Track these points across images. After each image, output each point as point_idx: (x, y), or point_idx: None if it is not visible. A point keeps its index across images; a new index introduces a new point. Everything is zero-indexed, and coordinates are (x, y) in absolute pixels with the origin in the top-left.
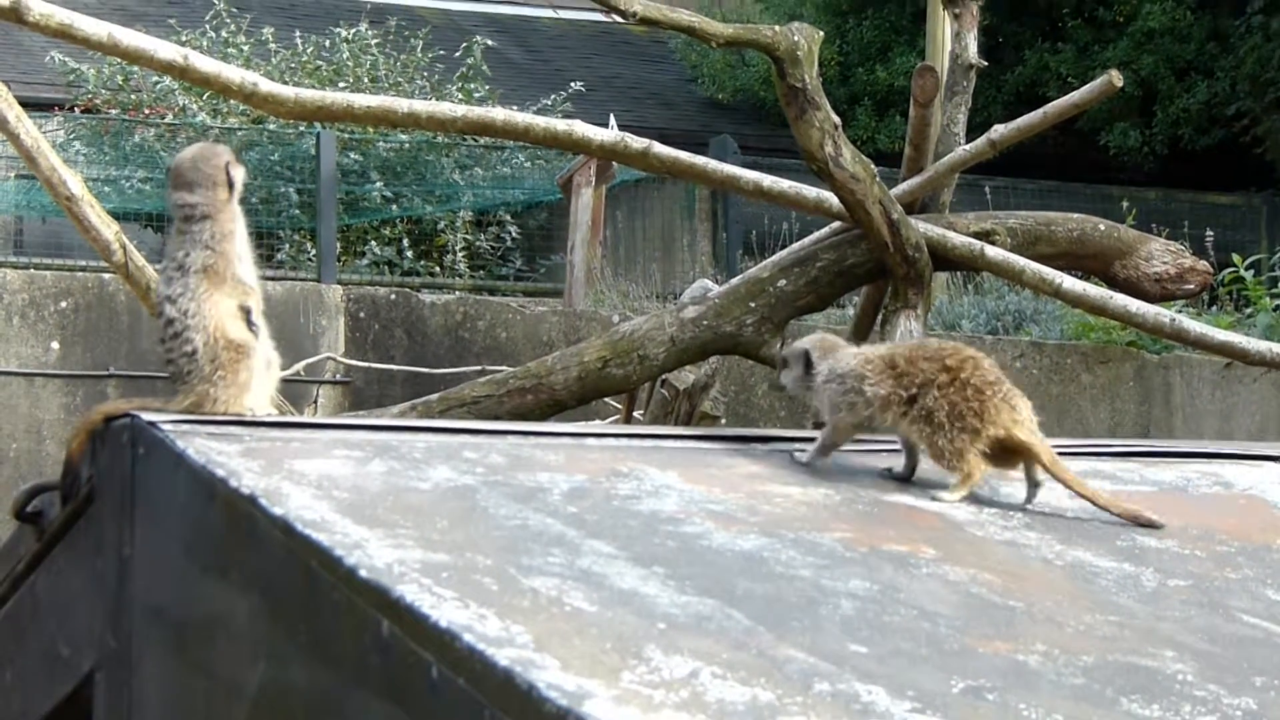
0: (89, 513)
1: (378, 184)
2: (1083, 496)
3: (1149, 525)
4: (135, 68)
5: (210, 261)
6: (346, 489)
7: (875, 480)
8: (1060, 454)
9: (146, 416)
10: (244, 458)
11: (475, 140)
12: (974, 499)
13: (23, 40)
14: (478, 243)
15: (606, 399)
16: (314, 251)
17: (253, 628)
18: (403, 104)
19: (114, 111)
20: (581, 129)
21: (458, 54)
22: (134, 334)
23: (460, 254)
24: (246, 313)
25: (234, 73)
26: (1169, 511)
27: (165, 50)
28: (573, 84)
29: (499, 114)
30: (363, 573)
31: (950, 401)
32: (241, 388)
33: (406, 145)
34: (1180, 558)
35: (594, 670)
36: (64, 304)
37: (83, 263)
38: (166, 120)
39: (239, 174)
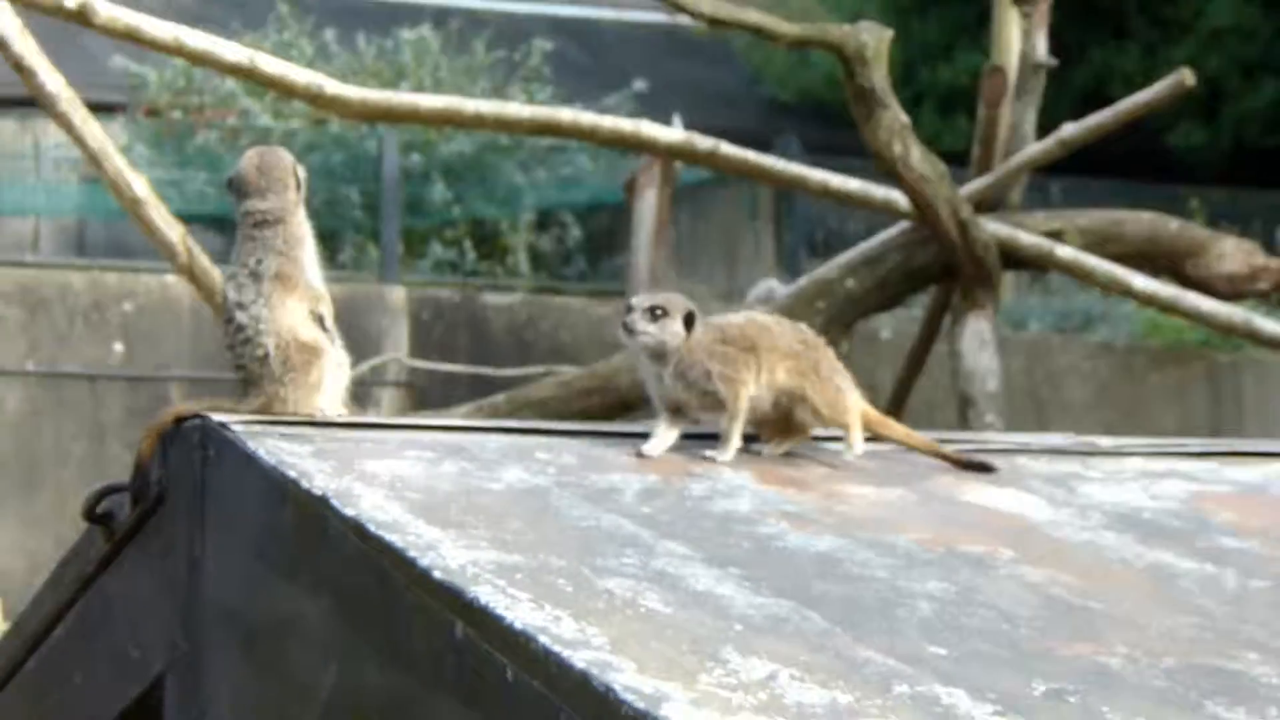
0: (159, 514)
1: (440, 186)
2: (894, 441)
3: (983, 469)
4: (198, 70)
5: (283, 267)
6: (419, 490)
7: (950, 480)
8: (1138, 454)
9: (217, 417)
10: (315, 459)
11: (537, 142)
12: (1051, 499)
13: (87, 44)
14: (540, 244)
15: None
16: (376, 253)
17: (325, 630)
18: (469, 104)
19: (176, 114)
20: (649, 128)
21: (519, 56)
22: (197, 336)
23: (523, 255)
24: (319, 318)
25: (300, 74)
26: (1250, 512)
27: (232, 52)
28: (635, 84)
29: (565, 114)
30: (437, 574)
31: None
32: (313, 388)
33: (469, 147)
34: (1263, 559)
35: (671, 672)
36: (127, 306)
37: (145, 264)
38: (229, 123)
39: (302, 176)
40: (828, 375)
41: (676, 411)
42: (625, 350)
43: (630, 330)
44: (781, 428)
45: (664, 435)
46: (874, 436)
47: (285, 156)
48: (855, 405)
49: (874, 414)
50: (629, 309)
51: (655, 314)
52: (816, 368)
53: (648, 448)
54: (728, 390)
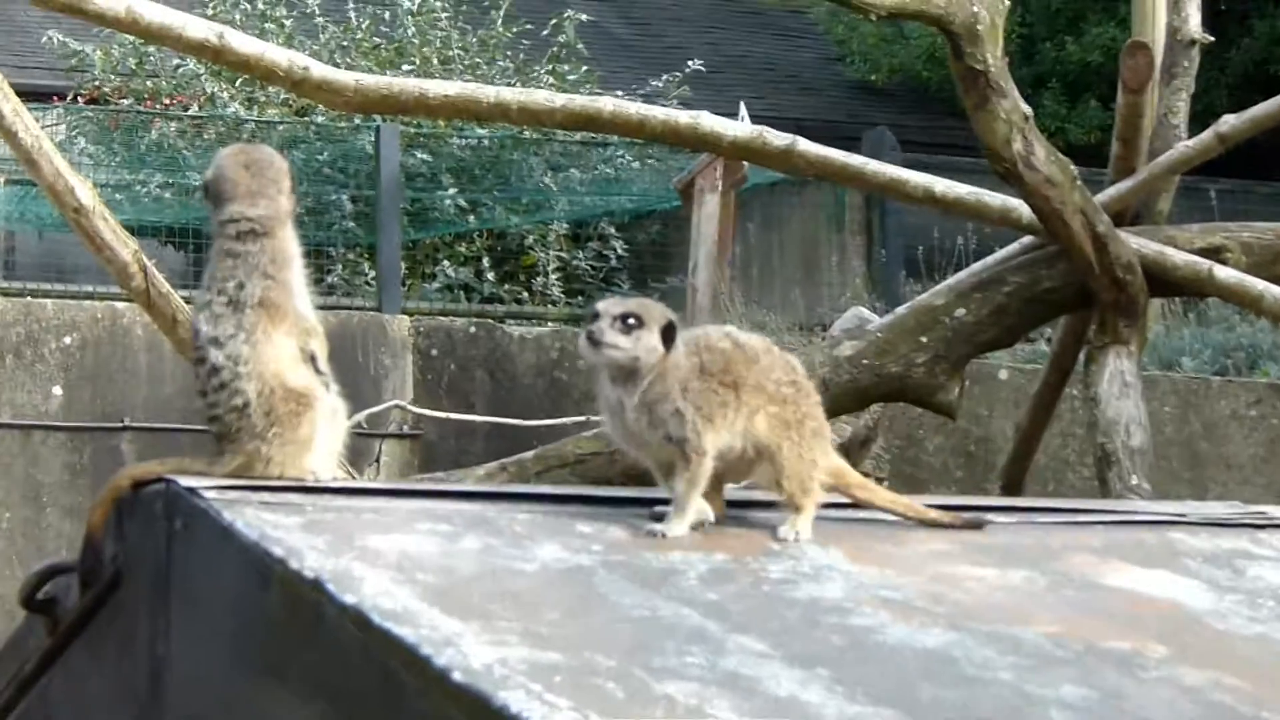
0: (114, 601)
1: (451, 190)
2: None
3: (972, 527)
4: (151, 48)
5: (270, 293)
6: (434, 571)
7: (1089, 560)
8: None
9: (185, 482)
10: (307, 533)
11: (570, 135)
12: (1213, 583)
13: (15, 15)
14: (575, 262)
15: None
16: (373, 273)
17: None
18: (488, 92)
19: (126, 102)
20: (709, 122)
21: (546, 30)
22: (155, 376)
23: (554, 276)
24: (310, 358)
25: (279, 54)
26: None
27: (196, 27)
28: (690, 64)
29: (607, 104)
30: (457, 675)
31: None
32: (302, 445)
33: (486, 141)
34: None
35: None
36: (68, 339)
37: (89, 288)
38: (191, 112)
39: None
40: (808, 438)
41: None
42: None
43: (595, 341)
44: (723, 477)
45: (686, 508)
46: (854, 503)
47: (276, 156)
48: (818, 487)
49: (853, 476)
50: (595, 315)
51: (628, 323)
52: (800, 424)
53: (667, 528)
54: (695, 442)
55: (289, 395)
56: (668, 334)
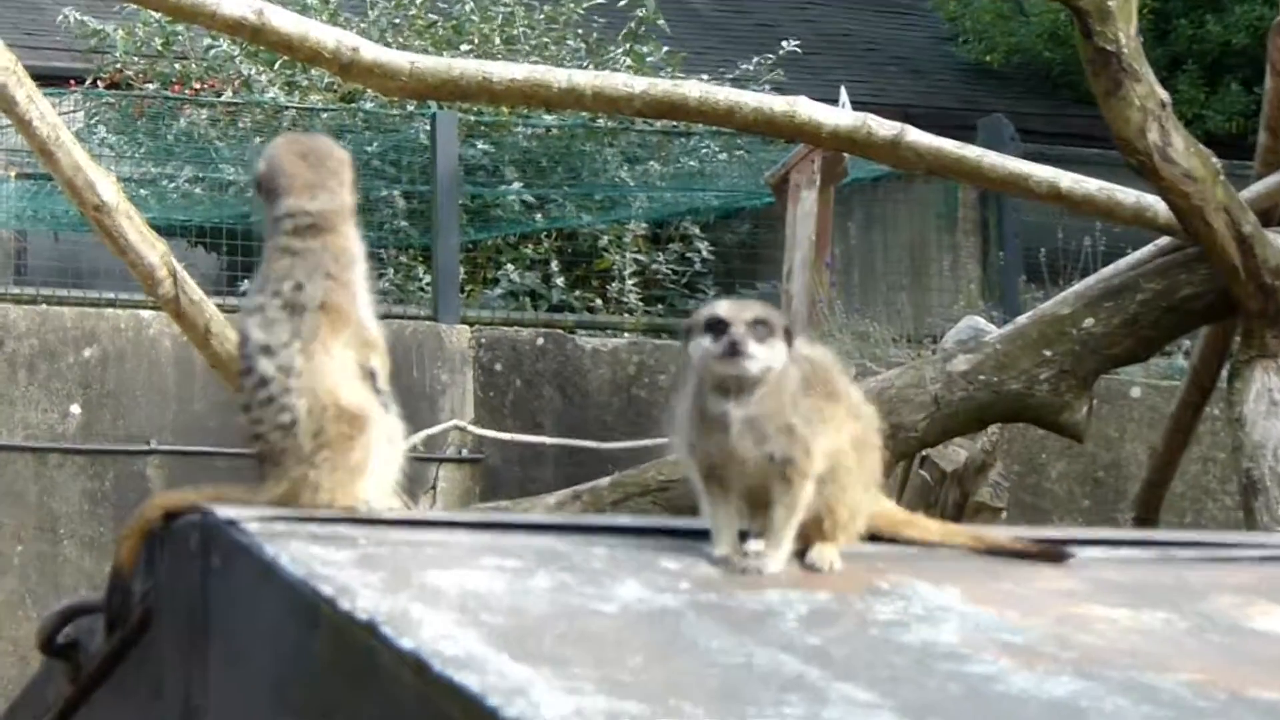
0: (143, 644)
1: (515, 185)
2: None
3: (1056, 557)
4: (180, 26)
5: (332, 296)
6: (501, 612)
7: (1234, 600)
8: None
9: (224, 512)
10: (360, 569)
11: (649, 124)
12: None
13: None
14: (655, 265)
15: None
16: (428, 278)
17: None
18: (559, 75)
19: (151, 86)
20: (807, 109)
21: (623, 2)
22: (184, 393)
23: (631, 281)
24: (370, 374)
25: (325, 33)
26: None
27: (232, 3)
28: (785, 44)
29: (692, 89)
30: None
31: None
32: (354, 471)
33: (554, 131)
34: None
35: None
36: (87, 352)
37: (111, 295)
38: (224, 98)
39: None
40: (869, 465)
41: (722, 484)
42: (698, 379)
43: (739, 353)
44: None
45: (725, 526)
46: (895, 539)
47: (336, 146)
48: (863, 521)
49: (898, 513)
50: (719, 323)
51: (760, 330)
52: (867, 447)
53: (764, 563)
54: (802, 463)
55: (342, 415)
56: (789, 339)
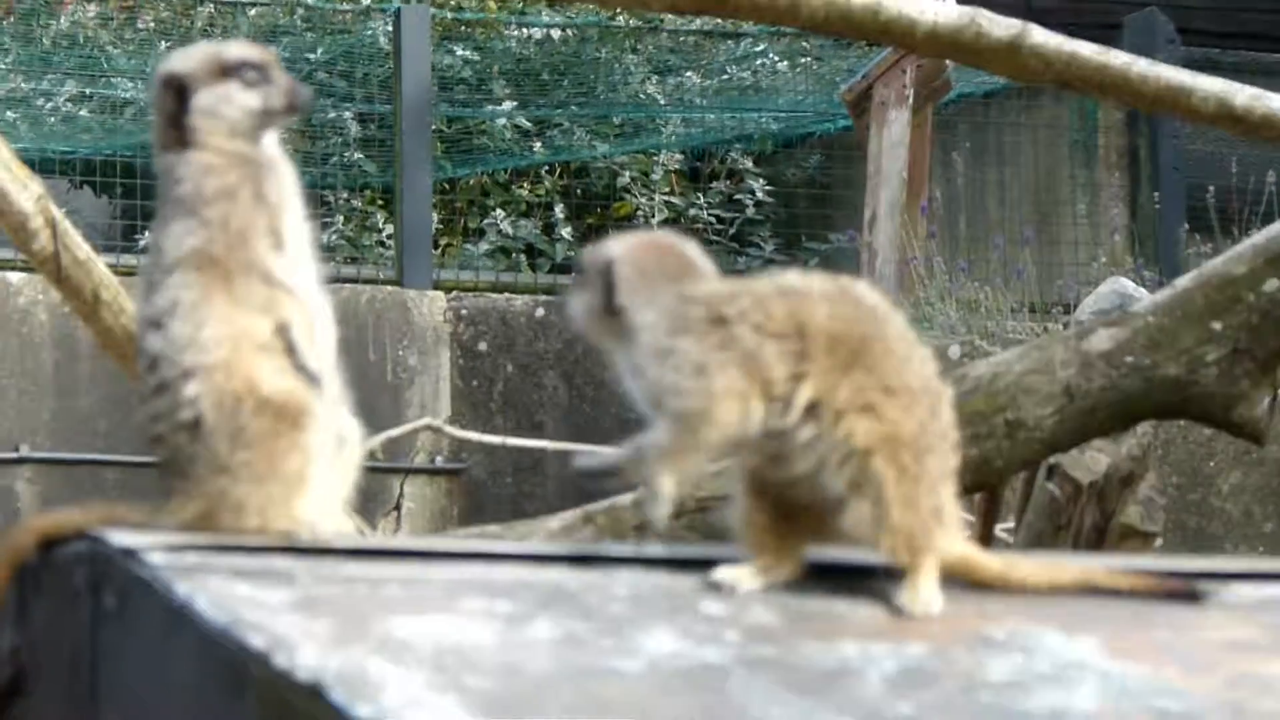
0: (13, 713)
1: (506, 104)
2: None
3: (1190, 596)
4: None
5: (209, 239)
6: (490, 672)
7: None
8: None
9: (119, 539)
10: (301, 614)
11: (684, 22)
12: None
13: None
14: (693, 211)
15: None
16: (390, 229)
17: None
18: None
19: None
20: (896, 0)
21: None
22: (64, 382)
23: (661, 230)
24: (288, 346)
25: None
26: None
27: None
28: None
29: None
30: None
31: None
32: (290, 484)
33: (558, 33)
34: None
35: None
36: None
37: None
38: None
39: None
40: (931, 478)
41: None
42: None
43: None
44: (783, 531)
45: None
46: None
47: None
48: (936, 545)
49: (980, 556)
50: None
51: (579, 279)
52: (920, 448)
53: (724, 575)
54: (672, 400)
55: (265, 407)
56: (607, 289)
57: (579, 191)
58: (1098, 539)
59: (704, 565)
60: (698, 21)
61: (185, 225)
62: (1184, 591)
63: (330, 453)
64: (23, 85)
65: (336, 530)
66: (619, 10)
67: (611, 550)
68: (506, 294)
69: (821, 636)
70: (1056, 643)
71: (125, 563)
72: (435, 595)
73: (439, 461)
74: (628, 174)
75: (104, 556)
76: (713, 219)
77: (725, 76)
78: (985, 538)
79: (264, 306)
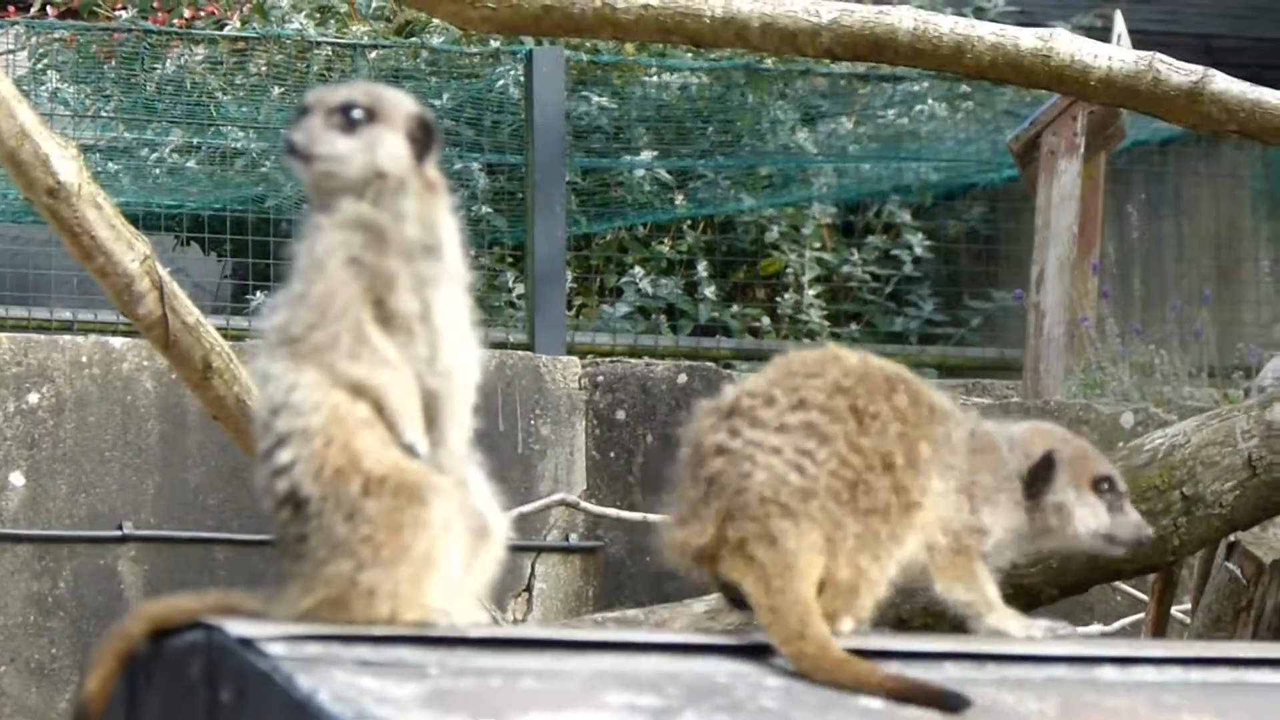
0: None
1: (645, 154)
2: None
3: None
4: None
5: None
6: None
7: None
8: None
9: (236, 628)
10: (431, 709)
11: (838, 66)
12: None
13: None
14: (846, 268)
15: (1116, 582)
16: (522, 289)
17: None
18: (709, 1)
19: (124, 14)
20: (1068, 45)
21: None
22: (171, 455)
23: (813, 290)
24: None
25: None
26: None
27: None
28: None
29: (905, 18)
30: None
31: None
32: (419, 567)
33: (702, 77)
34: None
35: None
36: (34, 397)
37: (69, 315)
38: (229, 30)
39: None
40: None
41: None
42: None
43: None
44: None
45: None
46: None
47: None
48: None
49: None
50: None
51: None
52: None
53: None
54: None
55: (372, 484)
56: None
57: (724, 248)
58: None
59: (867, 655)
60: (853, 66)
61: (309, 279)
62: (941, 700)
63: (461, 532)
64: (125, 135)
65: (471, 619)
66: (771, 54)
67: (762, 637)
68: (646, 358)
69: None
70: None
71: (243, 654)
72: (574, 689)
73: (574, 539)
74: (776, 228)
75: (220, 647)
76: (868, 276)
77: (881, 122)
78: (1160, 619)
79: (340, 376)
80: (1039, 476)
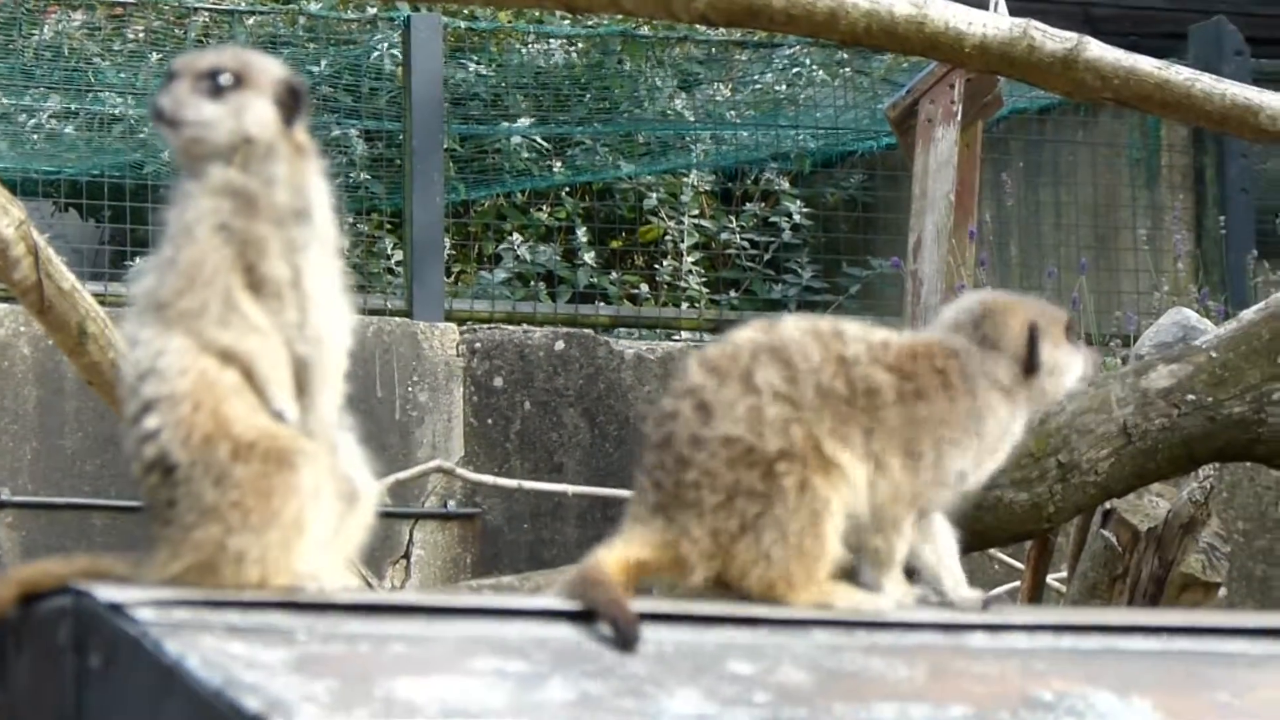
0: None
1: (524, 121)
2: None
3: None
4: None
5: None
6: None
7: None
8: None
9: (106, 593)
10: (300, 674)
11: (715, 32)
12: None
13: None
14: (725, 235)
15: (992, 549)
16: (400, 255)
17: None
18: None
19: None
20: (941, 11)
21: None
22: (48, 421)
23: (691, 258)
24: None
25: None
26: None
27: None
28: None
29: None
30: None
31: None
32: (288, 532)
33: (579, 44)
34: None
35: None
36: None
37: None
38: None
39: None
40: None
41: None
42: None
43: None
44: None
45: None
46: None
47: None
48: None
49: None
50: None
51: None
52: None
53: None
54: None
55: (241, 450)
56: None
57: (602, 214)
58: (1157, 589)
59: (736, 622)
60: (730, 32)
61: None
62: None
63: (339, 507)
64: (3, 100)
65: (340, 584)
66: (647, 19)
67: (634, 605)
68: (524, 325)
69: (854, 696)
70: (1109, 705)
71: (112, 619)
72: (443, 654)
73: (451, 506)
74: (655, 195)
75: (89, 612)
76: (746, 243)
77: (759, 89)
78: (1036, 587)
79: (205, 337)
80: (1031, 352)
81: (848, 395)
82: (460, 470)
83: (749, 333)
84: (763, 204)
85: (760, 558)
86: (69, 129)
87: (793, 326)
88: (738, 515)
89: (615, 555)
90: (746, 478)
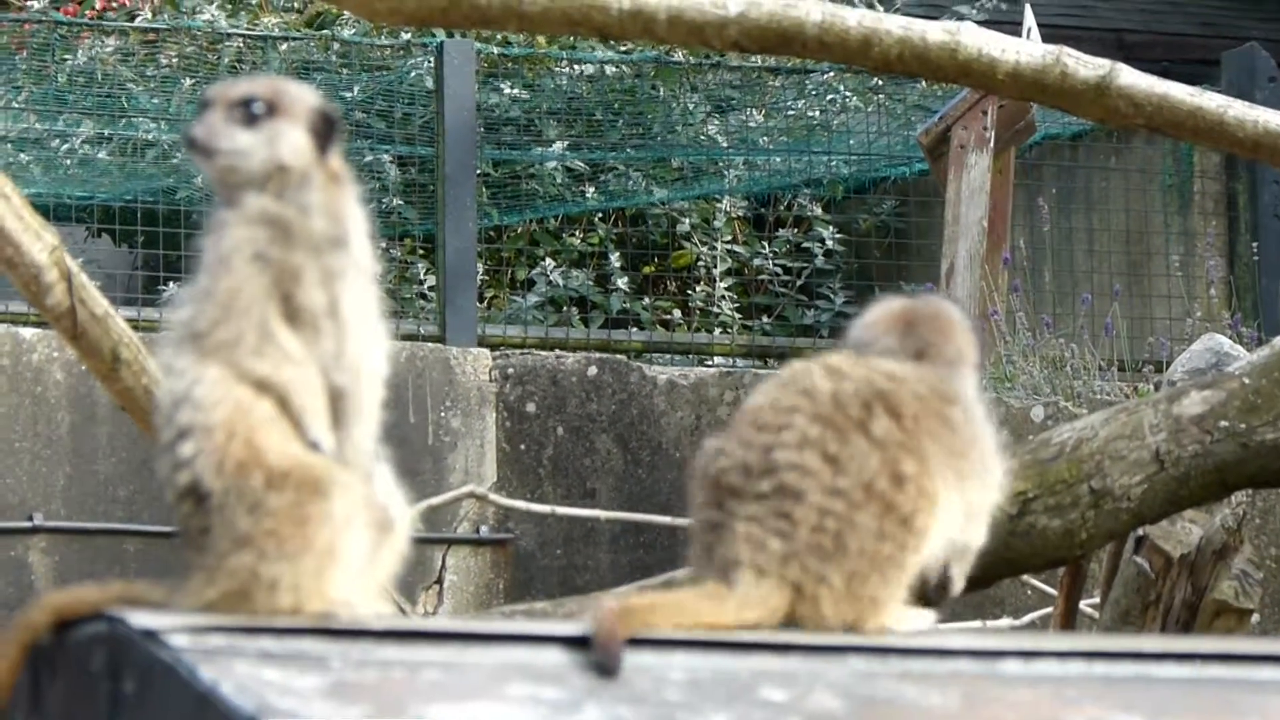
0: None
1: (557, 146)
2: None
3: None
4: None
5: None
6: None
7: None
8: None
9: (139, 619)
10: (333, 701)
11: (749, 59)
12: None
13: None
14: (757, 261)
15: (1025, 576)
16: (432, 280)
17: None
18: None
19: (35, 4)
20: (974, 38)
21: None
22: (81, 447)
23: (724, 284)
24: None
25: None
26: None
27: None
28: None
29: (812, 10)
30: None
31: None
32: (322, 560)
33: (612, 70)
34: None
35: None
36: None
37: None
38: (139, 22)
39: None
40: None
41: None
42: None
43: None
44: None
45: None
46: None
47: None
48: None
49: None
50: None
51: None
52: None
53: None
54: None
55: (275, 479)
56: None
57: (635, 240)
58: (1189, 616)
59: (769, 648)
60: (763, 59)
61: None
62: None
63: (373, 535)
64: (36, 126)
65: (374, 611)
66: (680, 46)
67: (667, 634)
68: (557, 351)
69: None
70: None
71: (146, 645)
72: (477, 681)
73: (484, 532)
74: (687, 221)
75: (123, 638)
76: (779, 269)
77: (792, 115)
78: (1069, 613)
79: (242, 370)
80: None
81: (942, 431)
82: (493, 496)
83: (825, 381)
84: (795, 230)
85: (880, 593)
86: (102, 154)
87: (865, 369)
88: (869, 558)
89: (731, 610)
90: (888, 525)
